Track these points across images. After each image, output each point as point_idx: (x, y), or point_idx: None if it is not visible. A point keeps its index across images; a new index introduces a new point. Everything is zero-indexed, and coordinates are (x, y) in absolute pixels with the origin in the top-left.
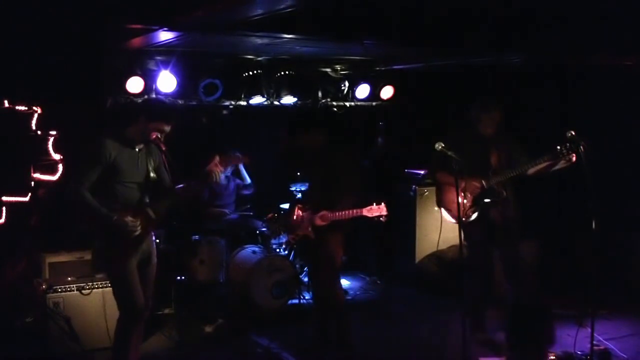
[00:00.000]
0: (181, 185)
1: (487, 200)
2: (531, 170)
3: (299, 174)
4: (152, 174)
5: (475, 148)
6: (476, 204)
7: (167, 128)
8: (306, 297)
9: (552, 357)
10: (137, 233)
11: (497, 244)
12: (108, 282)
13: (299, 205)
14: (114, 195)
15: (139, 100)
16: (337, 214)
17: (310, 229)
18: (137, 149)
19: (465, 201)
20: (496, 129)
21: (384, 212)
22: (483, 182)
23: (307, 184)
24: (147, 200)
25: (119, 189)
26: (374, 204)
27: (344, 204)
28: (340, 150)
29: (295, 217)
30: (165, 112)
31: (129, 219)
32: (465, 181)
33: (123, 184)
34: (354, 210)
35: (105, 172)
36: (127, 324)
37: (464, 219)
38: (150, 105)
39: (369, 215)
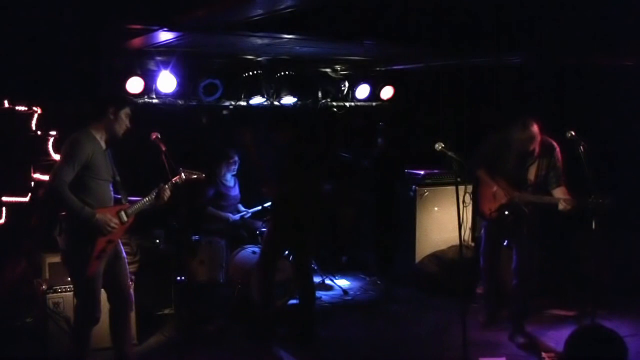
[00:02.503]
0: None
1: (507, 212)
2: (560, 207)
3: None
4: (117, 176)
5: (516, 158)
6: (498, 210)
7: (130, 112)
8: None
9: (551, 357)
10: (114, 230)
11: (511, 242)
12: (73, 281)
13: None
14: (89, 192)
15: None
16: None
17: None
18: (104, 147)
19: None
20: (539, 145)
21: (191, 176)
22: (512, 196)
23: None
24: (123, 201)
25: (93, 186)
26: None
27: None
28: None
29: None
30: (127, 97)
31: (109, 217)
32: (499, 185)
33: (97, 181)
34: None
35: (82, 168)
36: (82, 326)
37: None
38: (114, 95)
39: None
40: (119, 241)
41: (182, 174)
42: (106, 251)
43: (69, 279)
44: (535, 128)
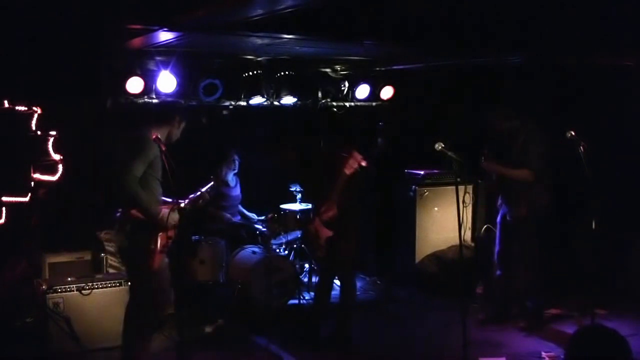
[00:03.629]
0: (194, 195)
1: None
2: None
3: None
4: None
5: (509, 142)
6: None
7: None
8: (306, 297)
9: (551, 357)
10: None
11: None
12: (137, 278)
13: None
14: (150, 190)
15: (170, 102)
16: (332, 196)
17: (326, 230)
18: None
19: None
20: (512, 126)
21: (360, 160)
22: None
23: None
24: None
25: (153, 185)
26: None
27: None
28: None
29: (310, 231)
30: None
31: (172, 213)
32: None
33: (156, 180)
34: (338, 182)
35: (148, 167)
36: (149, 322)
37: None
38: (183, 107)
39: (352, 170)
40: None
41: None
42: (166, 246)
43: (129, 275)
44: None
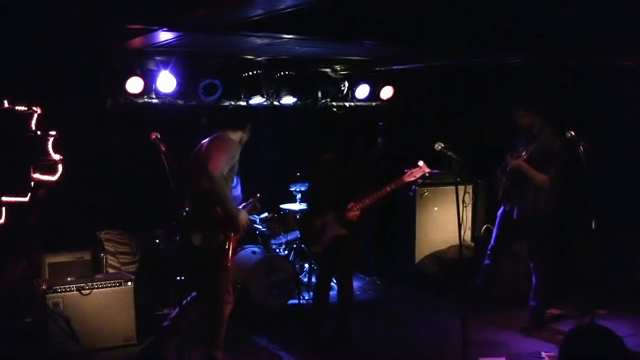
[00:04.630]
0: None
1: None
2: None
3: (299, 174)
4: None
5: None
6: None
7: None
8: (306, 297)
9: (551, 357)
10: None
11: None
12: (214, 274)
13: (314, 217)
14: (229, 192)
15: (242, 108)
16: (367, 199)
17: (340, 228)
18: None
19: None
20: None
21: (426, 169)
22: None
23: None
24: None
25: (226, 187)
26: (411, 168)
27: (362, 191)
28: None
29: (314, 227)
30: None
31: (244, 214)
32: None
33: (229, 184)
34: (391, 185)
35: (230, 170)
36: (226, 314)
37: None
38: (253, 116)
39: (412, 179)
40: None
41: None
42: (237, 248)
43: (209, 276)
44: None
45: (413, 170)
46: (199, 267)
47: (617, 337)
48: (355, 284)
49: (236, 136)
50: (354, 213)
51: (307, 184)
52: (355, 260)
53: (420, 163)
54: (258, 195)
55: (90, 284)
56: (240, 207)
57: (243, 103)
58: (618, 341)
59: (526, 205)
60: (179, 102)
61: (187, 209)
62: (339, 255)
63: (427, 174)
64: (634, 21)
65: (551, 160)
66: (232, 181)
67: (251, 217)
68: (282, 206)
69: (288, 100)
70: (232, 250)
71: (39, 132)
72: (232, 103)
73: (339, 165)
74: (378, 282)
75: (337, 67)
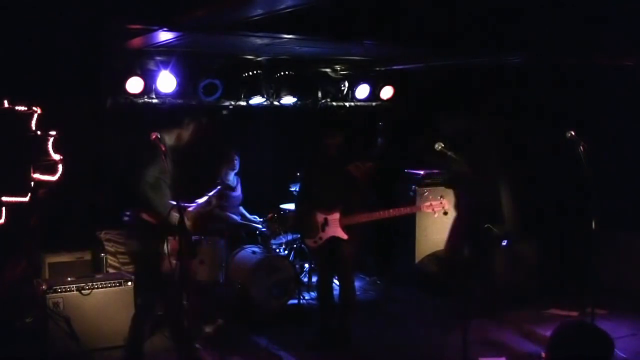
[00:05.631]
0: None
1: None
2: None
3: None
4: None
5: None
6: None
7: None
8: (306, 297)
9: None
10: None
11: None
12: (145, 281)
13: (319, 210)
14: (162, 195)
15: (179, 104)
16: (378, 213)
17: (341, 230)
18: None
19: None
20: None
21: (446, 207)
22: None
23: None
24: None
25: (165, 190)
26: (432, 200)
27: (362, 203)
28: (350, 152)
29: (316, 221)
30: (202, 114)
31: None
32: None
33: (167, 184)
34: (407, 208)
35: (160, 172)
36: (177, 315)
37: None
38: (192, 108)
39: (428, 210)
40: None
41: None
42: (175, 251)
43: (138, 279)
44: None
45: (434, 204)
46: (135, 271)
47: (604, 333)
48: (355, 284)
49: (172, 134)
50: (352, 221)
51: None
52: (355, 261)
53: (443, 200)
54: (216, 190)
55: (90, 284)
56: (202, 199)
57: (243, 103)
58: (605, 337)
59: None
60: (179, 102)
61: (127, 213)
62: (337, 255)
63: (445, 212)
64: (634, 21)
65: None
66: (167, 183)
67: (253, 217)
68: (282, 206)
69: (288, 100)
70: (171, 254)
71: (39, 132)
72: (232, 103)
73: (342, 159)
74: (378, 282)
75: (337, 67)
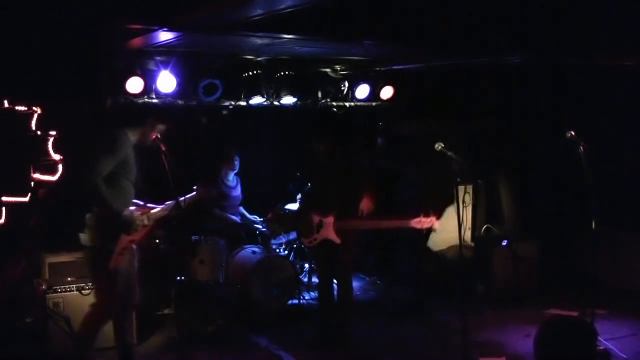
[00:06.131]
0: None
1: None
2: None
3: (299, 174)
4: (139, 181)
5: None
6: None
7: (164, 128)
8: (306, 297)
9: None
10: (138, 231)
11: None
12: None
13: (315, 211)
14: (118, 190)
15: (142, 102)
16: (367, 223)
17: (334, 234)
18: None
19: None
20: None
21: (435, 224)
22: None
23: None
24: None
25: (123, 185)
26: (422, 215)
27: (356, 210)
28: (351, 155)
29: (312, 221)
30: (169, 114)
31: (136, 215)
32: None
33: (126, 181)
34: (396, 222)
35: (117, 166)
36: (99, 321)
37: None
38: (158, 108)
39: (417, 227)
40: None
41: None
42: (127, 249)
43: (92, 276)
44: None
45: (423, 220)
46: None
47: (587, 323)
48: (355, 284)
49: (136, 132)
50: (347, 226)
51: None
52: (350, 264)
53: (433, 217)
54: (189, 196)
55: (90, 284)
56: (169, 202)
57: (243, 103)
58: (588, 327)
59: None
60: (179, 102)
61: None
62: (334, 256)
63: (434, 230)
64: (634, 21)
65: None
66: (129, 180)
67: (253, 218)
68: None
69: (288, 100)
70: (121, 253)
71: (39, 132)
72: (232, 103)
73: (337, 163)
74: (378, 282)
75: (337, 67)
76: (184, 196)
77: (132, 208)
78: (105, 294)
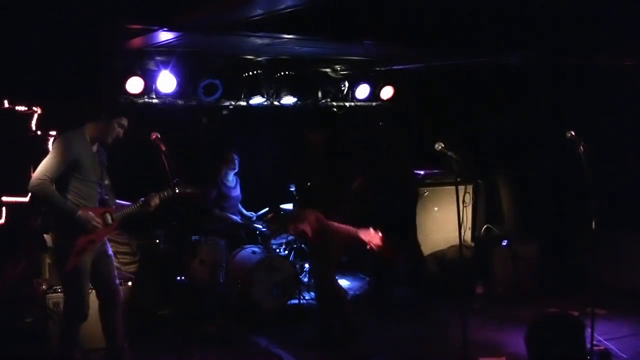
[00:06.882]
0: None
1: None
2: None
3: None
4: (106, 179)
5: None
6: None
7: (126, 122)
8: (306, 297)
9: None
10: (97, 230)
11: None
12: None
13: (304, 202)
14: (75, 192)
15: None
16: (330, 224)
17: (309, 227)
18: (94, 149)
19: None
20: None
21: (377, 242)
22: None
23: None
24: (109, 203)
25: (79, 186)
26: (372, 229)
27: (338, 214)
28: (337, 153)
29: (300, 211)
30: (124, 107)
31: (91, 215)
32: None
33: (83, 182)
34: (351, 229)
35: (67, 168)
36: (71, 323)
37: None
38: (112, 103)
39: (364, 238)
40: (106, 241)
41: (176, 189)
42: (87, 250)
43: (58, 276)
44: None
45: (371, 233)
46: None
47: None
48: (355, 284)
49: (92, 129)
50: (312, 224)
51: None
52: (333, 261)
53: (379, 234)
54: (142, 200)
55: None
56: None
57: (243, 103)
58: (577, 321)
59: None
60: (179, 102)
61: None
62: (313, 253)
63: (373, 248)
64: (634, 21)
65: None
66: (88, 180)
67: (250, 214)
68: (282, 206)
69: (288, 100)
70: (78, 253)
71: (39, 132)
72: (233, 103)
73: (327, 161)
74: (377, 281)
75: (337, 67)
76: (155, 193)
77: (94, 207)
78: (69, 294)
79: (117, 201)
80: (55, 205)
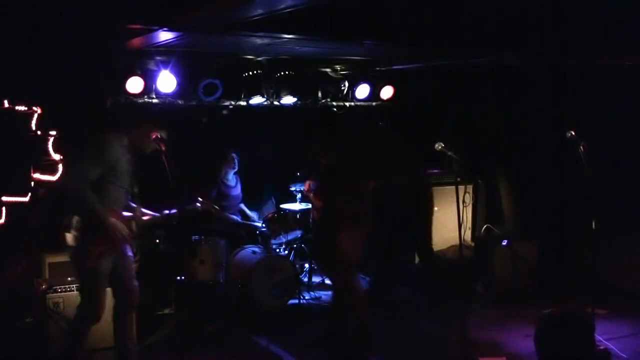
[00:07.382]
0: (171, 211)
1: None
2: None
3: (299, 174)
4: (135, 187)
5: None
6: None
7: (164, 133)
8: (306, 297)
9: None
10: (122, 239)
11: None
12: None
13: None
14: (106, 196)
15: (139, 104)
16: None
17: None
18: (128, 155)
19: None
20: None
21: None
22: None
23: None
24: (135, 210)
25: (112, 191)
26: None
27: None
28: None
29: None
30: (165, 117)
31: (121, 225)
32: None
33: (116, 187)
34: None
35: (104, 172)
36: (82, 322)
37: None
38: (153, 111)
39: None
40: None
41: (198, 204)
42: (106, 254)
43: (75, 276)
44: None
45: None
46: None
47: (583, 315)
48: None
49: (130, 137)
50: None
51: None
52: (349, 262)
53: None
54: (172, 212)
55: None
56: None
57: (243, 103)
58: (585, 320)
59: None
60: (179, 102)
61: None
62: (326, 253)
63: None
64: (634, 21)
65: None
66: (120, 186)
67: (252, 214)
68: (282, 206)
69: (288, 100)
70: (102, 255)
71: (39, 132)
72: (233, 103)
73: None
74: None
75: (337, 67)
76: (185, 206)
77: (125, 214)
78: (84, 295)
79: (142, 209)
80: (91, 211)
